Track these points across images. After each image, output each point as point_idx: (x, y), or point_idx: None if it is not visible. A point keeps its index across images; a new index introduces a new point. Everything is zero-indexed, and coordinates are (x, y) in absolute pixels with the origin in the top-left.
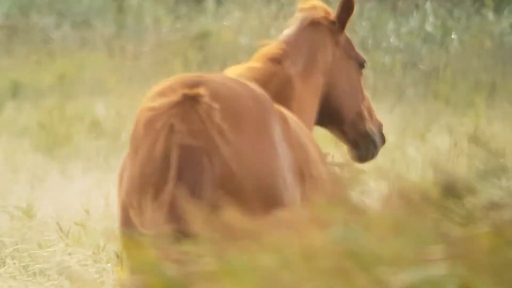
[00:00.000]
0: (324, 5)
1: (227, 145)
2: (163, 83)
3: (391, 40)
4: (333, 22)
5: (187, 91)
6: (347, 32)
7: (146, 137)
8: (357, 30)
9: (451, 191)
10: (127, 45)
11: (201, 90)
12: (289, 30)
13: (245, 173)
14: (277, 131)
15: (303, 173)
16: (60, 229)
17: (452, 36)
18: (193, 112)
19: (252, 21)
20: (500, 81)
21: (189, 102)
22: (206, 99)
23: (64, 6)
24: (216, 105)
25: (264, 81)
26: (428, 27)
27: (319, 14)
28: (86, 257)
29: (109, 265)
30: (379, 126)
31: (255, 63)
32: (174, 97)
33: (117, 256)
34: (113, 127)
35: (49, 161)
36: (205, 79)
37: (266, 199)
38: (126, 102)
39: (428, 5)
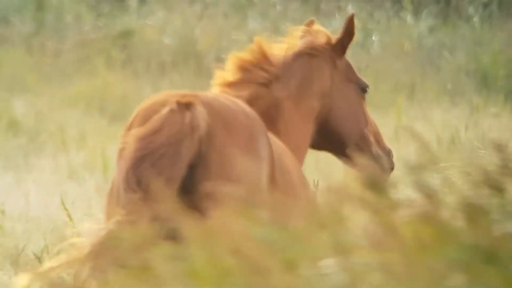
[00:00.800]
0: (325, 30)
1: (214, 152)
2: (152, 99)
3: None
4: (333, 47)
5: (180, 99)
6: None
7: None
8: (282, 31)
9: (373, 186)
10: (47, 43)
11: (194, 100)
12: (287, 52)
13: (228, 180)
14: (264, 148)
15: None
16: None
17: (373, 38)
18: (185, 117)
19: (176, 21)
20: (419, 81)
21: (182, 108)
22: (199, 107)
23: None
24: (207, 113)
25: (248, 100)
26: None
27: (321, 39)
28: (4, 259)
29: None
30: (388, 152)
31: (240, 86)
32: (169, 105)
33: (37, 258)
34: (32, 126)
35: None
36: (196, 93)
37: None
38: (46, 100)
39: (349, 7)
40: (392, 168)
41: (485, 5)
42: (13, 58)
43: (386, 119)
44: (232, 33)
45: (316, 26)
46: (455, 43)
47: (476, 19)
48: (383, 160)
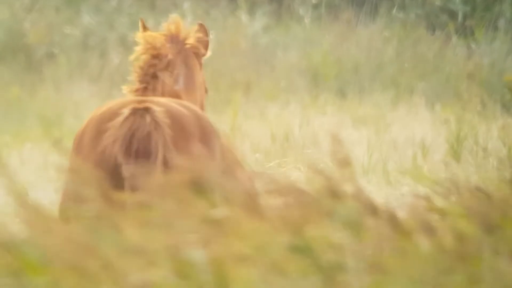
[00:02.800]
0: (188, 29)
1: (174, 150)
2: (101, 108)
3: None
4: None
5: (136, 105)
6: None
7: (95, 146)
8: (116, 26)
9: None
10: None
11: (150, 105)
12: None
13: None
14: (215, 145)
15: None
16: None
17: (210, 36)
18: (143, 121)
19: (3, 13)
20: (254, 79)
21: (139, 113)
22: (155, 111)
23: None
24: (164, 115)
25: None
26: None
27: (193, 39)
28: None
29: None
30: None
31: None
32: (126, 111)
33: None
34: None
35: None
36: (150, 99)
37: None
38: None
39: (186, 5)
40: None
41: (315, 7)
42: None
43: (223, 117)
44: (64, 27)
45: (179, 25)
46: (288, 42)
47: (307, 19)
48: None
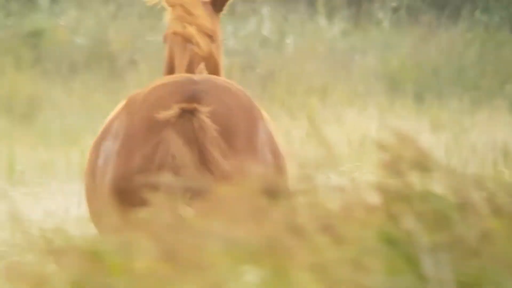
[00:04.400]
0: None
1: (218, 157)
2: (162, 85)
3: (230, 43)
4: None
5: (184, 105)
6: None
7: (145, 145)
8: None
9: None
10: None
11: (197, 106)
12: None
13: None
14: (261, 140)
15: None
16: None
17: (288, 41)
18: (190, 125)
19: (88, 21)
20: (331, 84)
21: (187, 116)
22: (202, 114)
23: None
24: (209, 120)
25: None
26: (265, 31)
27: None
28: None
29: None
30: None
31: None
32: (172, 112)
33: None
34: None
35: None
36: (200, 92)
37: None
38: None
39: (264, 10)
40: None
41: (394, 10)
42: None
43: (299, 122)
44: (147, 35)
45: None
46: (366, 47)
47: (385, 23)
48: None
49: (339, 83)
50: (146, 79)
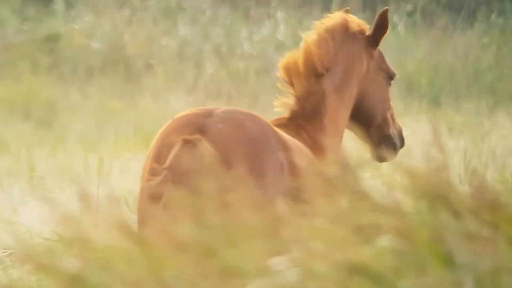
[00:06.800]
0: (358, 20)
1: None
2: (181, 117)
3: (245, 47)
4: (368, 37)
5: (187, 137)
6: None
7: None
8: (211, 37)
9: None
10: None
11: (200, 137)
12: (323, 40)
13: None
14: (266, 172)
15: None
16: None
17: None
18: (190, 155)
19: (104, 26)
20: None
21: (188, 145)
22: (203, 145)
23: None
24: (210, 151)
25: (302, 98)
26: (280, 36)
27: (355, 27)
28: None
29: None
30: (400, 131)
31: (299, 75)
32: (176, 142)
33: None
34: None
35: None
36: (207, 125)
37: None
38: None
39: (279, 15)
40: (402, 145)
41: (409, 14)
42: None
43: None
44: (162, 39)
45: (351, 16)
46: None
47: (401, 27)
48: (397, 139)
49: None
50: (161, 83)
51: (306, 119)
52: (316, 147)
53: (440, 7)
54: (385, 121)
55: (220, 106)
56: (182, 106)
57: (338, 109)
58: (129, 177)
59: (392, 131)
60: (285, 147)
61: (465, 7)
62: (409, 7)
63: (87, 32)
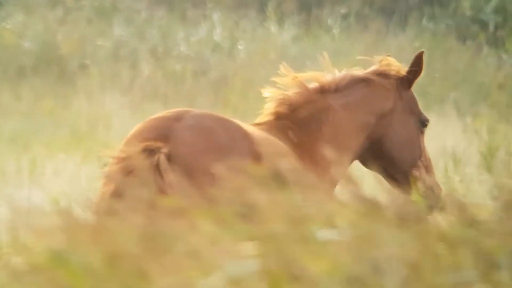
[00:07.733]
0: (398, 64)
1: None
2: (151, 119)
3: (182, 48)
4: (401, 79)
5: (149, 144)
6: None
7: (111, 174)
8: (147, 38)
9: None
10: None
11: (161, 145)
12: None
13: None
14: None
15: None
16: None
17: (239, 47)
18: (148, 163)
19: (36, 25)
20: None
21: (147, 153)
22: (162, 154)
23: None
24: (167, 161)
25: (295, 104)
26: (216, 37)
27: (391, 68)
28: None
29: None
30: (432, 185)
31: (302, 85)
32: (138, 148)
33: None
34: None
35: None
36: (174, 131)
37: None
38: None
39: (215, 16)
40: (435, 207)
41: (344, 17)
42: None
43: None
44: (96, 39)
45: (391, 59)
46: (317, 53)
47: (335, 30)
48: (429, 194)
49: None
50: (96, 83)
51: (296, 123)
52: (303, 149)
53: (374, 11)
54: (415, 169)
55: (192, 109)
56: (118, 107)
57: (343, 126)
58: (63, 178)
59: (426, 183)
60: (256, 153)
61: (397, 11)
62: (343, 10)
63: (18, 32)
